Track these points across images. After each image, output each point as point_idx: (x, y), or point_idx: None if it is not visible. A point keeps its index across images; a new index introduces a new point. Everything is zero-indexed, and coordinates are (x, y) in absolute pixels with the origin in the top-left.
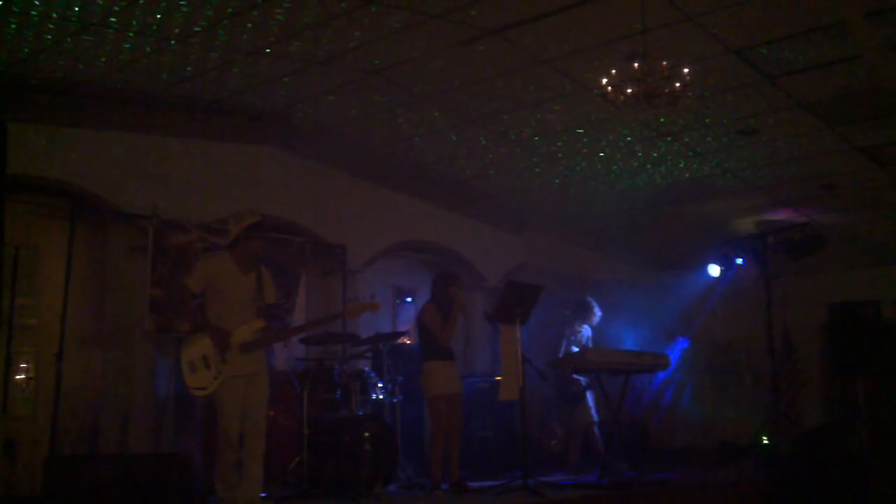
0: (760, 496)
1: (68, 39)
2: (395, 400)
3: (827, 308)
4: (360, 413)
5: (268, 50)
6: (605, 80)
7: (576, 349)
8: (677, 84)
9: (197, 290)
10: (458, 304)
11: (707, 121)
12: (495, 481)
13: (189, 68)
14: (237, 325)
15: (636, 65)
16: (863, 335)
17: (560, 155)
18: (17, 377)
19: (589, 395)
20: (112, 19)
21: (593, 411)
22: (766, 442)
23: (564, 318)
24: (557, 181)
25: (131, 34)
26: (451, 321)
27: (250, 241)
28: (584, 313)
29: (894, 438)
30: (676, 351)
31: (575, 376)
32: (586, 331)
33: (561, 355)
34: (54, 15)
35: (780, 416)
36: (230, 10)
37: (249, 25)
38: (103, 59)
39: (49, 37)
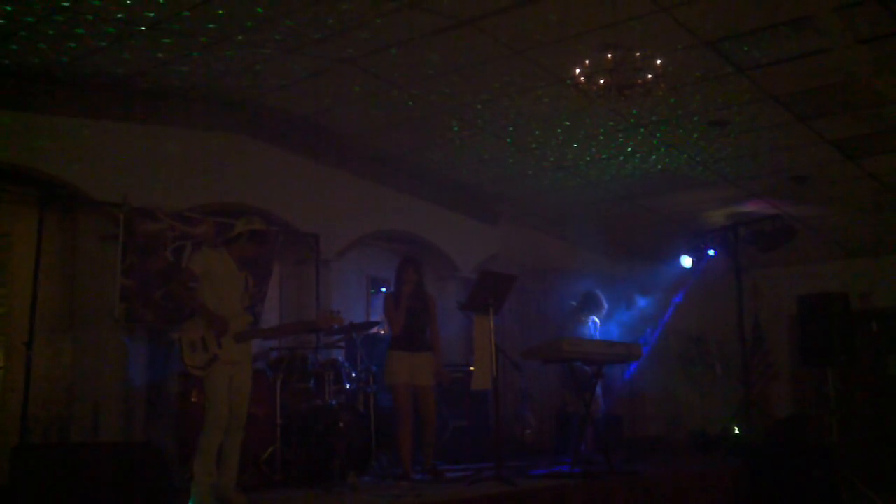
0: (731, 485)
1: (37, 23)
2: (368, 389)
3: (797, 299)
4: (334, 402)
5: (240, 37)
6: (577, 71)
7: None
8: (650, 75)
9: (198, 274)
10: (405, 292)
11: (679, 112)
12: (469, 469)
13: (160, 55)
14: (230, 315)
15: (609, 55)
16: (832, 326)
17: (533, 146)
18: None
19: (597, 387)
20: (83, 4)
21: (601, 401)
22: (736, 432)
23: (570, 309)
24: (530, 172)
25: (95, 19)
26: (399, 311)
27: (250, 243)
28: (590, 305)
29: (862, 429)
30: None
31: (580, 366)
32: (593, 323)
33: None
34: None
35: (750, 407)
36: None
37: (221, 12)
38: (73, 45)
39: (17, 21)
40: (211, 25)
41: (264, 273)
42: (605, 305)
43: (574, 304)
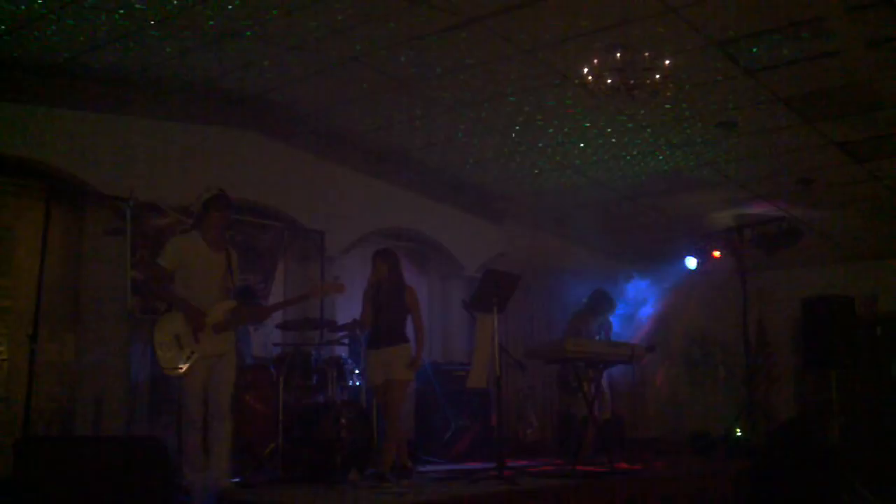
0: (732, 487)
1: (44, 17)
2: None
3: (801, 302)
4: (337, 399)
5: (248, 33)
6: (586, 70)
7: None
8: (658, 76)
9: (170, 268)
10: (370, 284)
11: (686, 113)
12: (470, 468)
13: (169, 49)
14: (207, 305)
15: (618, 55)
16: (836, 330)
17: (540, 145)
18: None
19: (605, 387)
20: None
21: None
22: (739, 434)
23: (579, 308)
24: (536, 171)
25: (103, 14)
26: (365, 306)
27: (210, 214)
28: (600, 305)
29: (865, 432)
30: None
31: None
32: (603, 323)
33: None
34: None
35: (753, 409)
36: None
37: (230, 7)
38: (81, 38)
39: (25, 14)
40: (218, 21)
41: (269, 269)
42: (615, 305)
43: (584, 301)
